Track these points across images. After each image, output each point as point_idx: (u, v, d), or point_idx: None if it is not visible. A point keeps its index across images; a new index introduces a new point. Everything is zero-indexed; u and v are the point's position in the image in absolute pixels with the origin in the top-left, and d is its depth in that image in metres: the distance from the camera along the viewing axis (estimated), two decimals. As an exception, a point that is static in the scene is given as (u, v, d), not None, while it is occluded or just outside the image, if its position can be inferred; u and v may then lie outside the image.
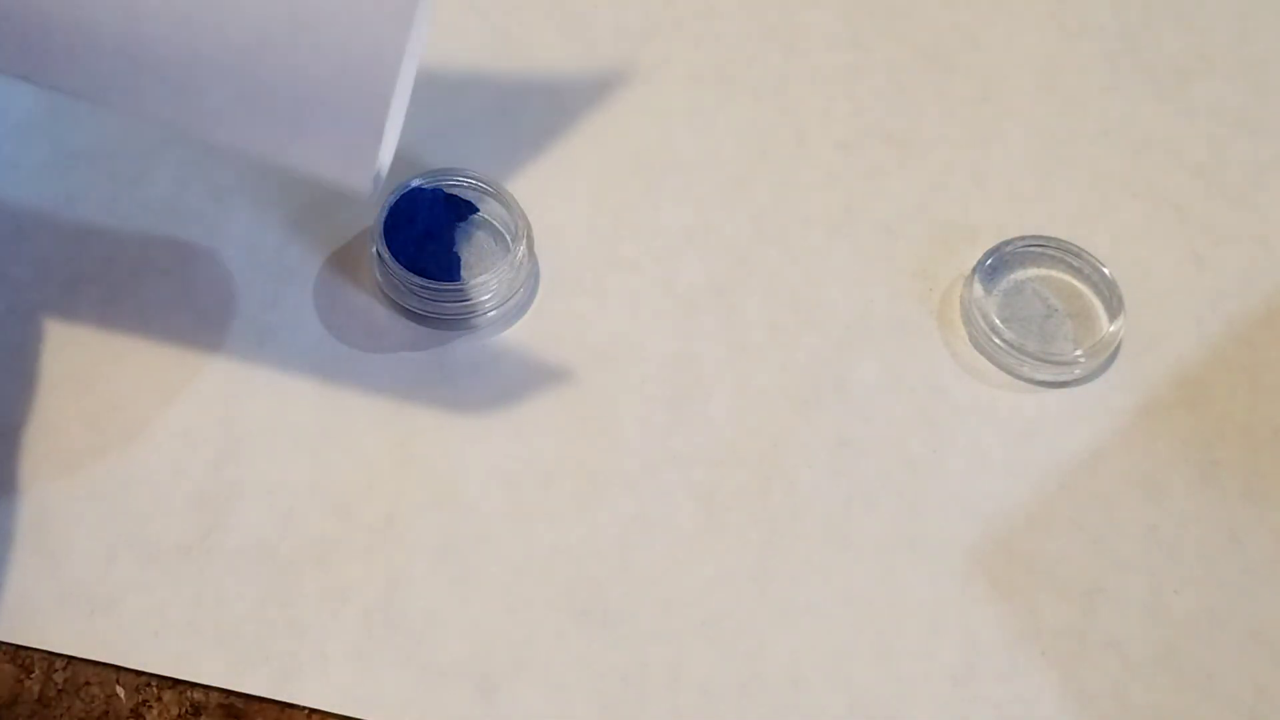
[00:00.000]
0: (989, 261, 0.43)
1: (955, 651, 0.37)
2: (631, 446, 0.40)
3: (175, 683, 0.36)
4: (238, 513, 0.38)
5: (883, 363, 0.42)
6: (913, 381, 0.42)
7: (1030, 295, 0.44)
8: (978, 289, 0.43)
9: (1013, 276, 0.44)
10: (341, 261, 0.43)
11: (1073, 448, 0.41)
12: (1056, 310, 0.44)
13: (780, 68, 0.49)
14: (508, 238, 0.43)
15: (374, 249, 0.41)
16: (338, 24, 0.31)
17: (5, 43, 0.32)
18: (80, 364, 0.41)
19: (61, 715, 0.36)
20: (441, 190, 0.43)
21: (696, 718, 0.36)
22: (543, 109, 0.47)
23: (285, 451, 0.40)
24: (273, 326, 0.42)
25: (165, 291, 0.42)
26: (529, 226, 0.42)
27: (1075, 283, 0.44)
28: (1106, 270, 0.43)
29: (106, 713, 0.36)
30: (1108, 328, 0.43)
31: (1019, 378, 0.42)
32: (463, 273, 0.42)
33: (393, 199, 0.42)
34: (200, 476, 0.39)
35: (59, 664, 0.36)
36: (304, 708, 0.36)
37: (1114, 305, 0.43)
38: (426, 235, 0.42)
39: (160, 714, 0.36)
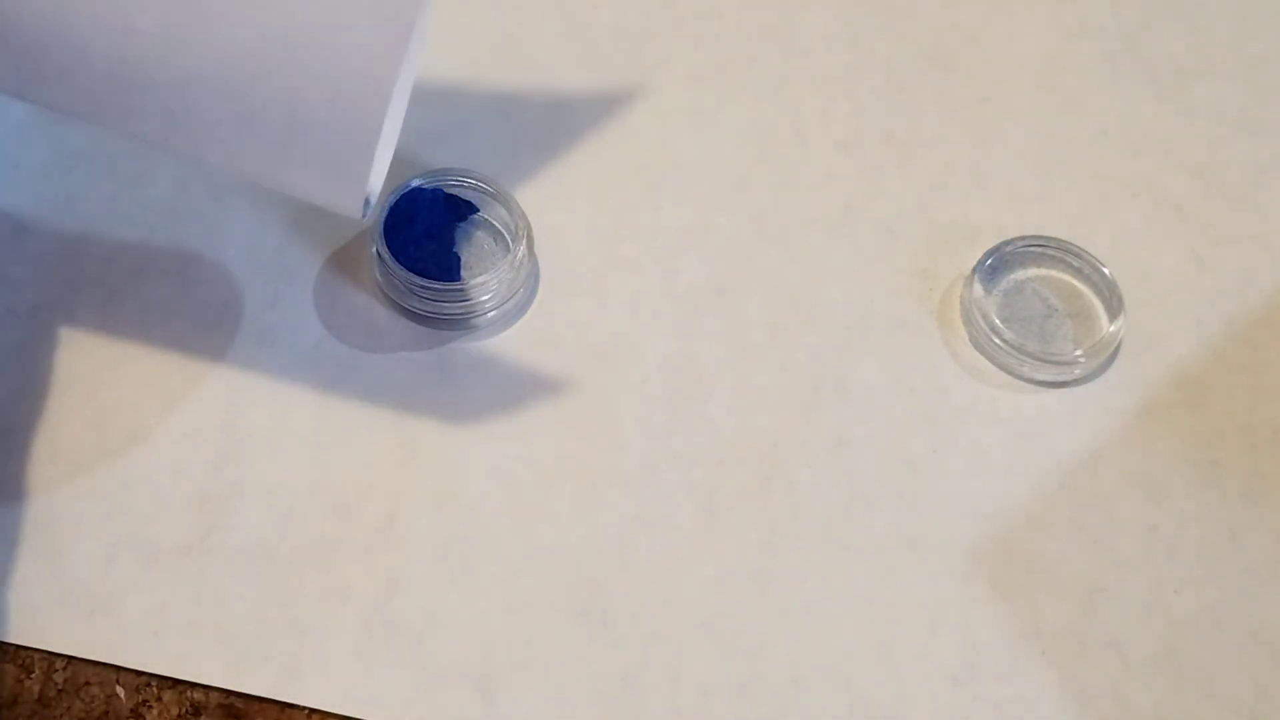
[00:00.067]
0: (989, 261, 0.43)
1: (955, 651, 0.37)
2: (631, 446, 0.40)
3: (175, 683, 0.36)
4: (238, 513, 0.38)
5: (883, 363, 0.42)
6: (913, 381, 0.42)
7: (1030, 295, 0.44)
8: (978, 289, 0.43)
9: (1013, 276, 0.44)
10: (341, 261, 0.43)
11: (1073, 448, 0.41)
12: (1056, 310, 0.44)
13: (780, 68, 0.49)
14: (508, 238, 0.43)
15: (374, 249, 0.41)
16: (330, 52, 0.31)
17: None
18: (80, 364, 0.41)
19: (61, 715, 0.36)
20: (441, 190, 0.43)
21: (696, 718, 0.36)
22: (543, 109, 0.47)
23: (285, 452, 0.40)
24: (273, 326, 0.42)
25: (165, 292, 0.42)
26: (529, 226, 0.42)
27: (1075, 283, 0.44)
28: (1106, 270, 0.43)
29: (106, 713, 0.36)
30: (1108, 328, 0.43)
31: (1019, 378, 0.42)
32: (463, 273, 0.42)
33: (393, 199, 0.42)
34: (200, 477, 0.39)
35: (59, 664, 0.36)
36: (304, 708, 0.36)
37: (1114, 305, 0.43)
38: (426, 235, 0.42)
39: (160, 714, 0.36)
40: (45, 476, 0.39)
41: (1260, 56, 0.50)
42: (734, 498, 0.40)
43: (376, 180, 0.35)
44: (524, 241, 0.42)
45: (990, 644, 0.38)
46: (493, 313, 0.42)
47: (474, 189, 0.43)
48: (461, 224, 0.43)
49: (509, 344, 0.42)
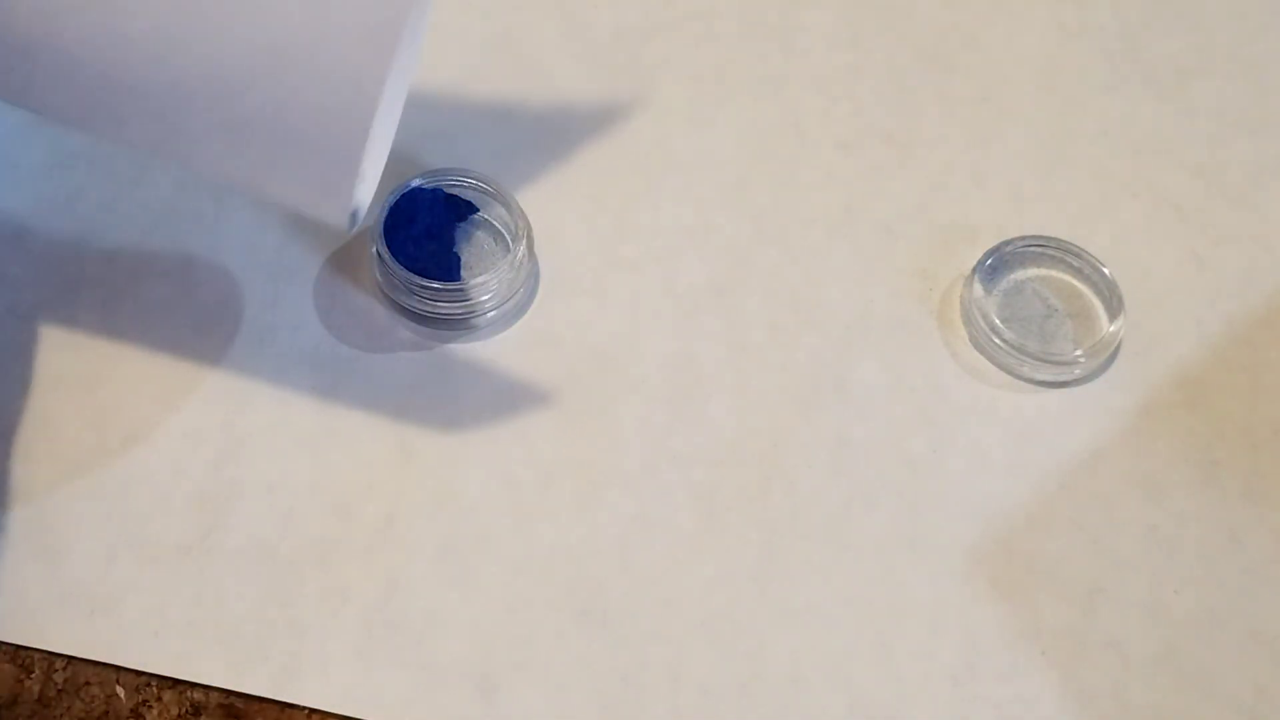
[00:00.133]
0: (989, 261, 0.43)
1: (955, 651, 0.37)
2: (631, 446, 0.40)
3: (175, 683, 0.36)
4: (238, 513, 0.38)
5: (883, 363, 0.42)
6: (913, 381, 0.42)
7: (1030, 295, 0.44)
8: (978, 289, 0.43)
9: (1013, 276, 0.44)
10: (341, 261, 0.43)
11: (1073, 448, 0.41)
12: (1056, 310, 0.44)
13: (780, 68, 0.49)
14: (508, 238, 0.43)
15: (374, 249, 0.41)
16: (315, 66, 0.31)
17: None
18: (80, 364, 0.41)
19: (61, 715, 0.36)
20: (441, 190, 0.43)
21: (696, 718, 0.36)
22: (543, 109, 0.47)
23: (285, 452, 0.40)
24: (273, 326, 0.42)
25: (165, 292, 0.42)
26: (529, 226, 0.42)
27: (1075, 283, 0.44)
28: (1106, 270, 0.43)
29: (106, 713, 0.36)
30: (1108, 328, 0.43)
31: (1019, 378, 0.42)
32: (463, 273, 0.42)
33: (393, 199, 0.42)
34: (200, 477, 0.39)
35: (59, 664, 0.36)
36: (304, 708, 0.36)
37: (1114, 305, 0.43)
38: (426, 235, 0.42)
39: (160, 714, 0.36)
40: (45, 476, 0.39)
41: (1260, 56, 0.50)
42: (734, 498, 0.40)
43: (366, 192, 0.35)
44: (524, 241, 0.42)
45: (990, 644, 0.38)
46: (493, 313, 0.42)
47: (474, 189, 0.43)
48: (461, 224, 0.43)
49: (509, 344, 0.42)
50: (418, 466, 0.40)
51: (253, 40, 0.31)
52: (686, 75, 0.48)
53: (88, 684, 0.36)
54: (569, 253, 0.44)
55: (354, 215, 0.35)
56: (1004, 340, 0.42)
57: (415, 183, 0.43)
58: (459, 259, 0.43)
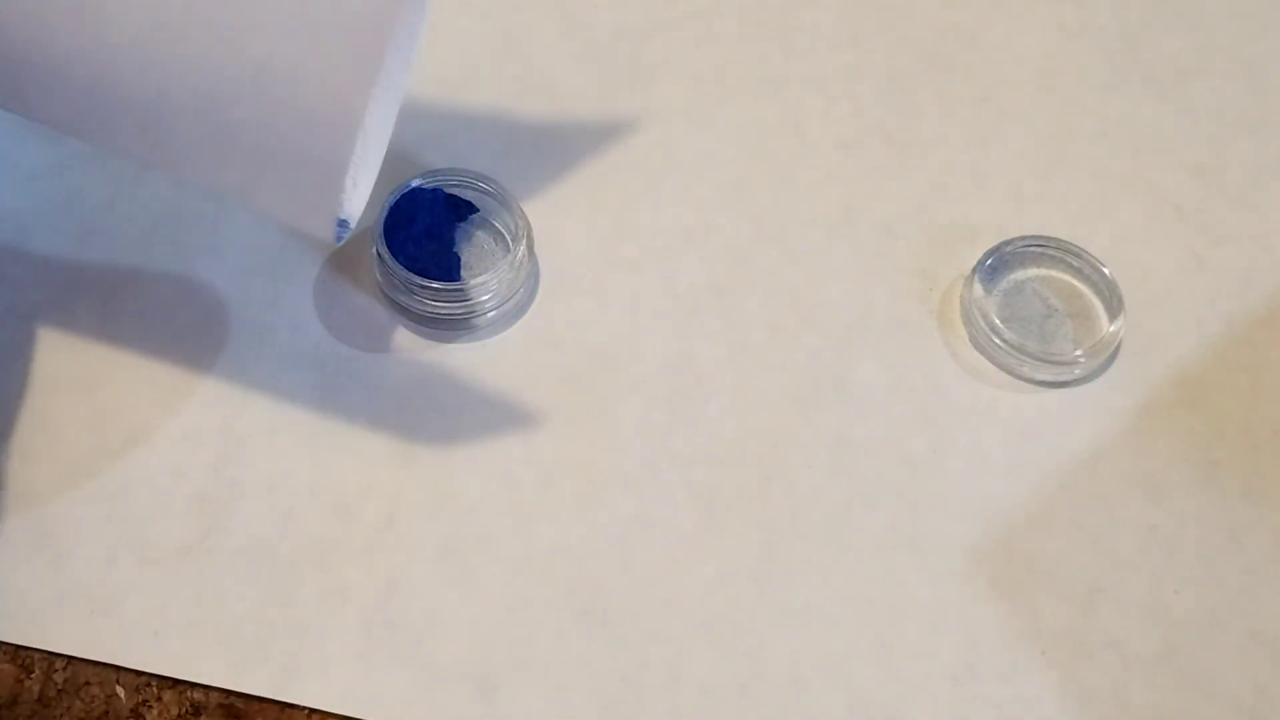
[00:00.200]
0: (989, 261, 0.43)
1: (955, 651, 0.37)
2: (631, 446, 0.40)
3: (175, 683, 0.36)
4: (238, 513, 0.38)
5: (883, 363, 0.42)
6: (913, 381, 0.42)
7: (1030, 295, 0.44)
8: (978, 289, 0.43)
9: (1013, 276, 0.44)
10: (341, 261, 0.43)
11: (1073, 448, 0.41)
12: (1056, 310, 0.44)
13: (780, 68, 0.49)
14: (508, 238, 0.43)
15: (374, 249, 0.41)
16: (301, 83, 0.31)
17: None
18: (80, 365, 0.41)
19: (61, 715, 0.36)
20: (441, 190, 0.43)
21: (696, 718, 0.36)
22: (543, 109, 0.47)
23: (285, 452, 0.40)
24: (273, 326, 0.42)
25: (165, 292, 0.42)
26: (529, 226, 0.42)
27: (1075, 283, 0.44)
28: (1106, 270, 0.43)
29: (106, 713, 0.36)
30: (1108, 328, 0.43)
31: (1019, 378, 0.42)
32: (463, 273, 0.42)
33: (393, 199, 0.42)
34: (200, 477, 0.39)
35: (59, 664, 0.36)
36: (304, 708, 0.36)
37: (1114, 305, 0.43)
38: (426, 235, 0.42)
39: (160, 714, 0.36)
40: (45, 477, 0.39)
41: (1260, 56, 0.50)
42: (734, 498, 0.40)
43: (359, 202, 0.35)
44: (524, 241, 0.42)
45: (990, 644, 0.38)
46: (493, 313, 0.42)
47: (474, 189, 0.43)
48: (461, 224, 0.43)
49: (509, 344, 0.42)
50: (418, 466, 0.40)
51: (238, 55, 0.31)
52: (686, 75, 0.48)
53: (88, 684, 0.36)
54: (569, 253, 0.44)
55: (344, 225, 0.35)
56: (1004, 340, 0.42)
57: (415, 183, 0.43)
58: (459, 259, 0.43)
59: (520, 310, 0.43)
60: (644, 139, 0.47)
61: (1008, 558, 0.39)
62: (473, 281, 0.41)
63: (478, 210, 0.44)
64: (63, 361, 0.41)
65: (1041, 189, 0.46)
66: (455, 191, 0.43)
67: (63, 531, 0.38)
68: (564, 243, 0.44)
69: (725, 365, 0.42)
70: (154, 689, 0.36)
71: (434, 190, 0.43)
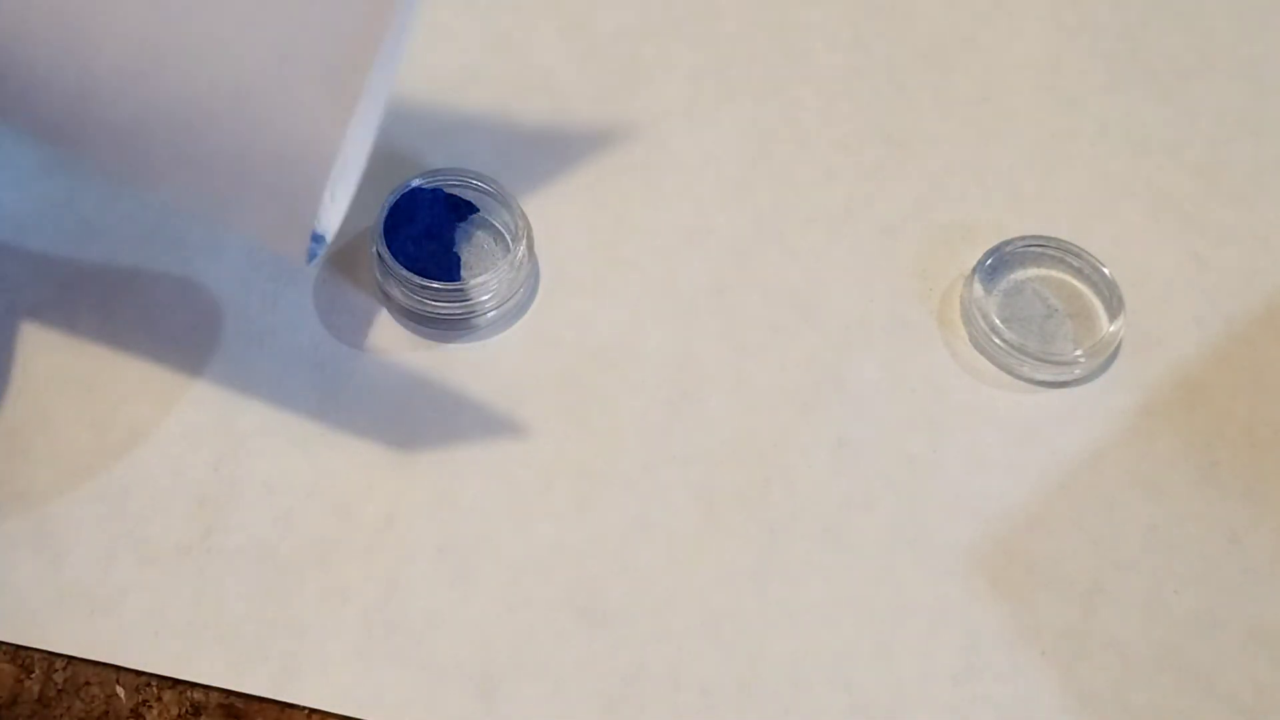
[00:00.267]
0: (989, 261, 0.43)
1: (955, 651, 0.37)
2: (631, 446, 0.40)
3: (175, 683, 0.36)
4: (237, 513, 0.38)
5: (883, 363, 0.42)
6: (913, 381, 0.42)
7: (1030, 295, 0.44)
8: (978, 289, 0.43)
9: (1013, 276, 0.44)
10: (341, 261, 0.43)
11: (1073, 448, 0.41)
12: (1056, 310, 0.44)
13: (780, 68, 0.49)
14: (508, 238, 0.43)
15: (374, 249, 0.41)
16: (276, 113, 0.31)
17: None
18: (80, 364, 0.41)
19: (61, 715, 0.36)
20: (441, 190, 0.43)
21: (696, 718, 0.36)
22: (543, 109, 0.47)
23: (285, 452, 0.40)
24: (273, 326, 0.42)
25: (165, 291, 0.42)
26: (529, 226, 0.42)
27: (1075, 283, 0.44)
28: (1106, 270, 0.43)
29: (106, 713, 0.36)
30: (1108, 328, 0.43)
31: (1019, 378, 0.42)
32: (463, 273, 0.42)
33: (393, 199, 0.42)
34: (200, 477, 0.39)
35: (59, 664, 0.36)
36: (304, 708, 0.36)
37: (1114, 305, 0.43)
38: (426, 235, 0.42)
39: (160, 714, 0.36)
40: (45, 477, 0.39)
41: (1260, 56, 0.50)
42: (734, 498, 0.40)
43: (335, 217, 0.36)
44: (524, 241, 0.42)
45: (990, 644, 0.38)
46: (493, 313, 0.42)
47: (474, 189, 0.43)
48: (461, 224, 0.43)
49: (509, 344, 0.42)
50: (418, 466, 0.40)
51: (216, 83, 0.31)
52: (686, 75, 0.48)
53: (88, 684, 0.36)
54: (569, 253, 0.44)
55: (319, 240, 0.35)
56: (1004, 340, 0.42)
57: (415, 183, 0.43)
58: (459, 259, 0.43)
59: (520, 310, 0.43)
60: (644, 139, 0.47)
61: (1008, 558, 0.39)
62: (473, 281, 0.41)
63: (478, 210, 0.44)
64: (62, 360, 0.41)
65: (1041, 189, 0.46)
66: (455, 191, 0.43)
67: (63, 530, 0.38)
68: (564, 243, 0.44)
69: (725, 365, 0.42)
70: (154, 689, 0.36)
71: (434, 190, 0.43)
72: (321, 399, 0.41)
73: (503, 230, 0.43)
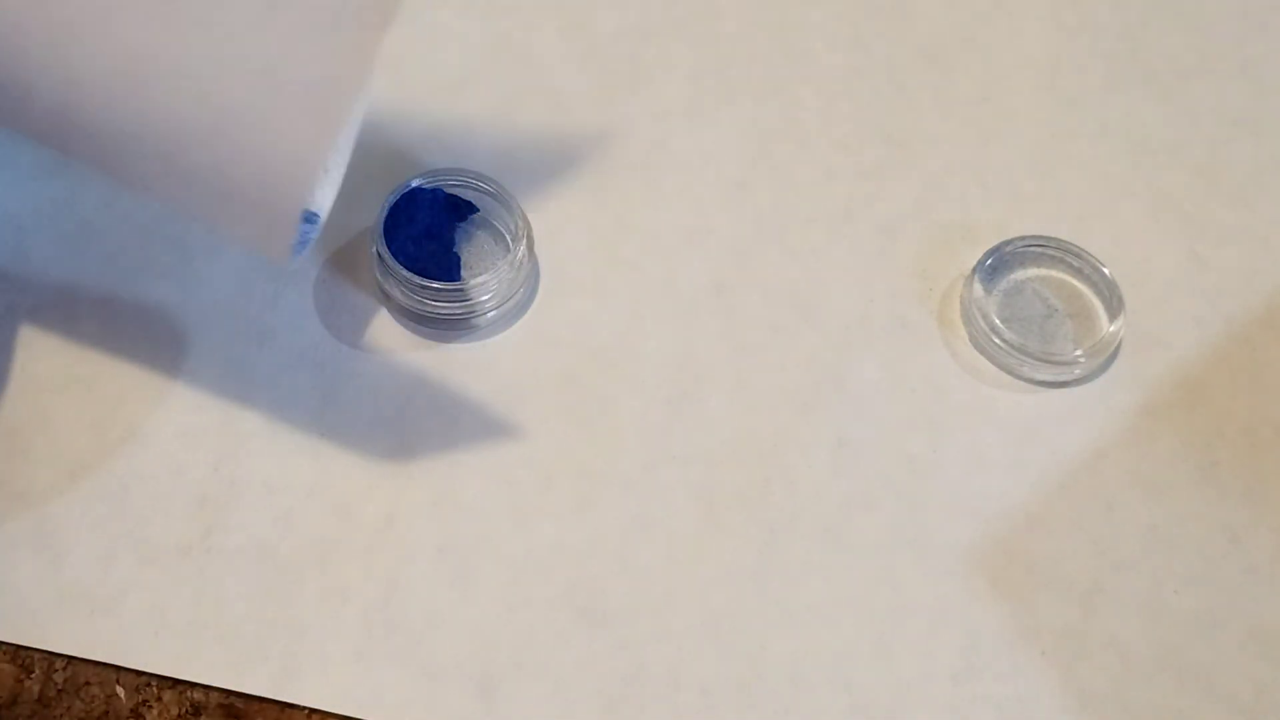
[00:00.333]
0: (989, 261, 0.43)
1: (955, 651, 0.37)
2: (631, 446, 0.40)
3: (175, 683, 0.36)
4: (238, 513, 0.38)
5: (883, 363, 0.42)
6: (913, 381, 0.42)
7: (1030, 295, 0.44)
8: (978, 289, 0.43)
9: (1013, 276, 0.44)
10: (341, 261, 0.43)
11: (1073, 448, 0.41)
12: (1056, 310, 0.44)
13: (780, 68, 0.49)
14: (508, 238, 0.43)
15: (374, 249, 0.41)
16: (258, 133, 0.31)
17: None
18: (80, 364, 0.41)
19: (61, 715, 0.36)
20: (441, 190, 0.43)
21: (696, 718, 0.36)
22: (543, 109, 0.47)
23: (285, 451, 0.40)
24: (273, 326, 0.42)
25: (165, 291, 0.42)
26: (529, 226, 0.42)
27: (1075, 283, 0.44)
28: (1106, 270, 0.43)
29: (106, 713, 0.36)
30: (1108, 328, 0.43)
31: (1019, 378, 0.42)
32: (463, 273, 0.42)
33: (393, 199, 0.42)
34: (200, 477, 0.39)
35: (59, 664, 0.36)
36: (304, 708, 0.36)
37: (1114, 305, 0.43)
38: (426, 235, 0.42)
39: (160, 714, 0.36)
40: (45, 477, 0.39)
41: (1260, 56, 0.50)
42: (734, 498, 0.40)
43: (329, 192, 0.36)
44: (524, 241, 0.42)
45: (990, 644, 0.38)
46: (493, 313, 0.42)
47: (474, 189, 0.43)
48: (461, 224, 0.43)
49: (509, 344, 0.42)
50: (417, 466, 0.40)
51: (200, 102, 0.31)
52: (686, 75, 0.48)
53: (88, 684, 0.36)
54: (569, 253, 0.44)
55: (313, 218, 0.35)
56: (1004, 340, 0.42)
57: (415, 183, 0.43)
58: (459, 259, 0.43)
59: (520, 310, 0.43)
60: (644, 139, 0.47)
61: (1008, 558, 0.39)
62: (473, 281, 0.41)
63: (478, 210, 0.44)
64: (63, 360, 0.41)
65: (1041, 189, 0.46)
66: (455, 191, 0.43)
67: (63, 530, 0.38)
68: (564, 243, 0.44)
69: (725, 365, 0.42)
70: (154, 689, 0.36)
71: (434, 190, 0.43)
72: (321, 399, 0.41)
73: (503, 230, 0.43)
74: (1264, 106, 0.49)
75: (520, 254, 0.41)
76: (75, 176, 0.44)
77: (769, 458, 0.40)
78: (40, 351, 0.41)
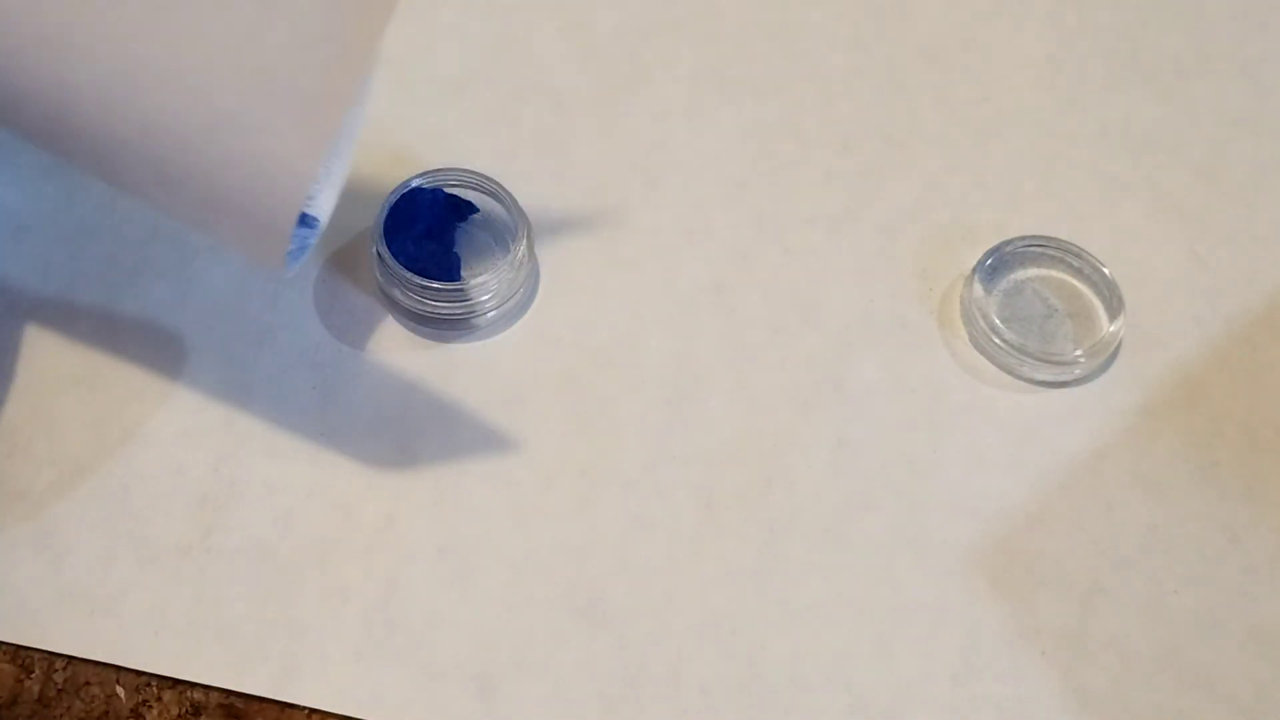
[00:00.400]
0: (989, 261, 0.43)
1: (955, 651, 0.37)
2: (631, 446, 0.40)
3: (175, 683, 0.36)
4: (238, 513, 0.38)
5: (883, 363, 0.42)
6: (913, 381, 0.42)
7: (1030, 295, 0.44)
8: (978, 289, 0.43)
9: (1013, 276, 0.44)
10: (341, 261, 0.43)
11: (1073, 448, 0.41)
12: (1056, 310, 0.44)
13: (780, 68, 0.49)
14: (508, 238, 0.43)
15: (374, 249, 0.41)
16: (250, 144, 0.31)
17: None
18: (80, 364, 0.41)
19: (61, 715, 0.36)
20: (441, 190, 0.43)
21: (696, 718, 0.36)
22: (543, 109, 0.47)
23: (285, 451, 0.40)
24: (273, 326, 0.42)
25: (165, 291, 0.42)
26: (529, 226, 0.42)
27: (1075, 283, 0.44)
28: (1106, 270, 0.43)
29: (106, 713, 0.36)
30: (1108, 328, 0.43)
31: (1019, 378, 0.42)
32: (463, 273, 0.42)
33: (393, 199, 0.42)
34: (200, 477, 0.39)
35: (59, 664, 0.36)
36: (304, 708, 0.36)
37: (1114, 305, 0.43)
38: (426, 235, 0.42)
39: (160, 714, 0.36)
40: (45, 476, 0.39)
41: (1260, 56, 0.50)
42: (734, 498, 0.40)
43: (330, 197, 0.36)
44: (524, 241, 0.42)
45: (990, 644, 0.38)
46: (493, 313, 0.42)
47: (474, 189, 0.43)
48: (461, 224, 0.43)
49: (509, 344, 0.42)
50: (417, 466, 0.40)
51: (193, 108, 0.31)
52: (686, 75, 0.48)
53: (88, 684, 0.36)
54: (569, 253, 0.44)
55: (313, 223, 0.35)
56: (1004, 340, 0.42)
57: (415, 183, 0.43)
58: (459, 259, 0.43)
59: (520, 310, 0.43)
60: (644, 139, 0.47)
61: (1008, 558, 0.39)
62: (473, 281, 0.41)
63: (478, 210, 0.44)
64: (63, 360, 0.41)
65: (1041, 189, 0.46)
66: (455, 191, 0.43)
67: (63, 530, 0.38)
68: (564, 243, 0.44)
69: (725, 365, 0.42)
70: (154, 689, 0.36)
71: (434, 190, 0.43)
72: (321, 399, 0.41)
73: (503, 230, 0.43)
74: (1264, 106, 0.49)
75: (520, 254, 0.41)
76: (75, 176, 0.44)
77: (769, 458, 0.40)
78: (40, 352, 0.41)
